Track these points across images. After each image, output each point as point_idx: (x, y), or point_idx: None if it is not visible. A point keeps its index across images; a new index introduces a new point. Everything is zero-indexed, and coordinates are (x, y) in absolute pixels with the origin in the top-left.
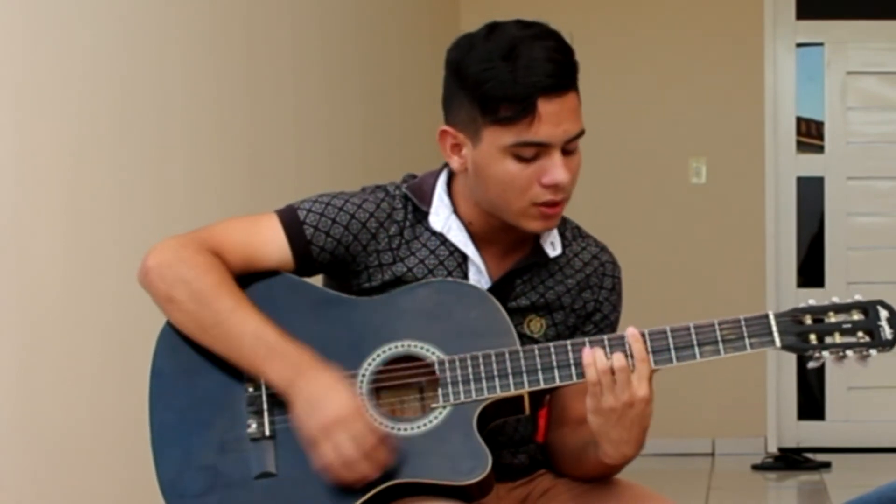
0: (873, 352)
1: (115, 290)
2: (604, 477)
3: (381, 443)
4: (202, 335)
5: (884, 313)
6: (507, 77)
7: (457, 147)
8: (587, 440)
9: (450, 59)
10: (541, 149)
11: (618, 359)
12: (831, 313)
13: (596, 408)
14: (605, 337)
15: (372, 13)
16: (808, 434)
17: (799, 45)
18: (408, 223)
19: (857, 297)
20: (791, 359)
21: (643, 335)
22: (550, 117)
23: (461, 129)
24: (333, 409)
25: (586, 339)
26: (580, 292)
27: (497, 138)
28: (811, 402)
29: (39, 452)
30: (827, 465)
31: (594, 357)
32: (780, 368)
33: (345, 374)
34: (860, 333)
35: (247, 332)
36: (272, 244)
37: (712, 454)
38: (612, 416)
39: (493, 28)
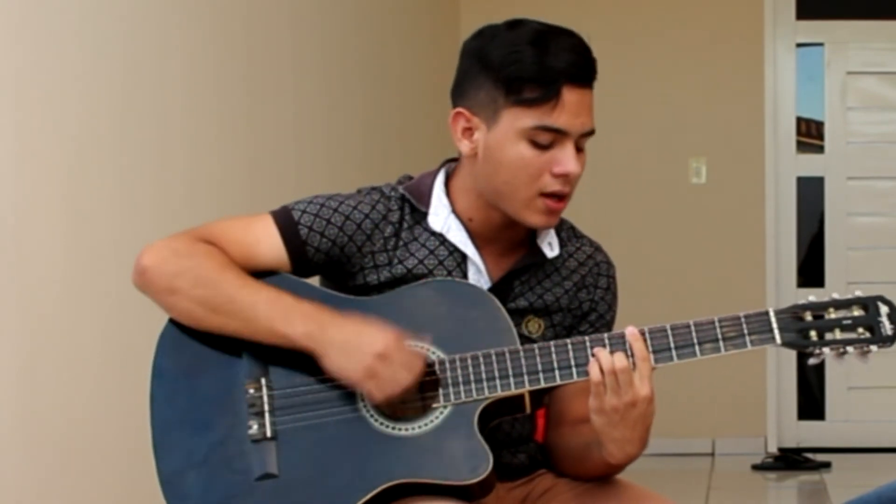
0: (874, 347)
1: (115, 290)
2: (607, 476)
3: (425, 364)
4: (212, 317)
5: (884, 309)
6: (535, 60)
7: (468, 131)
8: (589, 440)
9: (471, 47)
10: (557, 137)
11: (619, 359)
12: (831, 309)
13: (599, 408)
14: (606, 336)
15: (372, 13)
16: (808, 434)
17: (799, 45)
18: (405, 224)
19: (857, 293)
20: (791, 359)
21: (643, 334)
22: (572, 106)
23: (477, 112)
24: (375, 345)
25: (586, 338)
26: (577, 292)
27: (517, 119)
28: (811, 402)
29: (39, 452)
30: (827, 465)
31: (598, 358)
32: (780, 368)
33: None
34: (860, 329)
35: (260, 301)
36: (267, 245)
37: (712, 454)
38: (616, 416)
39: (515, 22)
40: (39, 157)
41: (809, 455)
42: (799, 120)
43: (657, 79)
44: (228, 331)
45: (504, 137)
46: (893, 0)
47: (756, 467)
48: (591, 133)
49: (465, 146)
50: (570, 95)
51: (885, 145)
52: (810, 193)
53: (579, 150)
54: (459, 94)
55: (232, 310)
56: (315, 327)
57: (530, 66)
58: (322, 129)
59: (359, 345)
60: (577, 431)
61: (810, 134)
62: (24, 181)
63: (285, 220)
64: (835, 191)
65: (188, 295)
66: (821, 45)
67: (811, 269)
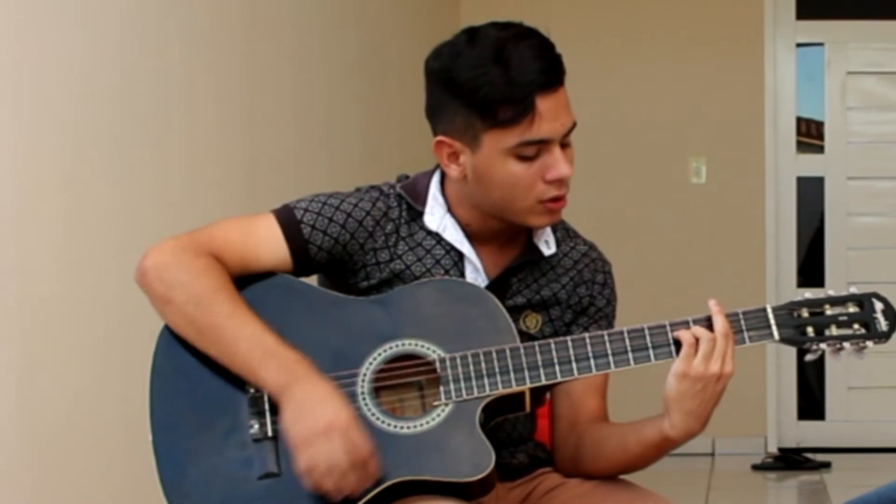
0: (869, 343)
1: (115, 290)
2: (645, 463)
3: (372, 457)
4: (198, 338)
5: (878, 305)
6: (502, 79)
7: (454, 156)
8: (609, 434)
9: (434, 69)
10: (542, 146)
11: (722, 324)
12: (827, 306)
13: (683, 373)
14: (690, 319)
15: (372, 13)
16: (808, 434)
17: (799, 45)
18: (403, 222)
19: (853, 290)
20: (791, 359)
21: (640, 331)
22: (549, 113)
23: (457, 138)
24: (328, 416)
25: (586, 335)
26: (575, 287)
27: (499, 141)
28: (811, 402)
29: (39, 452)
30: (827, 465)
31: (696, 327)
32: (780, 368)
33: (345, 373)
34: (856, 325)
35: (243, 336)
36: (269, 244)
37: (712, 454)
38: (698, 385)
39: (472, 34)
40: (39, 157)
41: (809, 455)
42: (799, 120)
43: (657, 78)
44: (210, 354)
45: (490, 159)
46: (893, 0)
47: (756, 467)
48: (573, 128)
49: (453, 171)
50: (544, 104)
51: (885, 145)
52: (810, 193)
53: (565, 146)
54: (436, 119)
55: (215, 337)
56: (286, 379)
57: (499, 88)
58: (322, 129)
59: (313, 412)
60: (597, 429)
61: (810, 134)
62: (24, 181)
63: (288, 219)
64: (835, 191)
65: (180, 309)
66: (821, 45)
67: (811, 269)
